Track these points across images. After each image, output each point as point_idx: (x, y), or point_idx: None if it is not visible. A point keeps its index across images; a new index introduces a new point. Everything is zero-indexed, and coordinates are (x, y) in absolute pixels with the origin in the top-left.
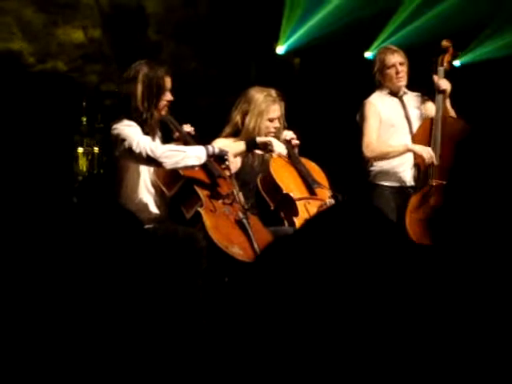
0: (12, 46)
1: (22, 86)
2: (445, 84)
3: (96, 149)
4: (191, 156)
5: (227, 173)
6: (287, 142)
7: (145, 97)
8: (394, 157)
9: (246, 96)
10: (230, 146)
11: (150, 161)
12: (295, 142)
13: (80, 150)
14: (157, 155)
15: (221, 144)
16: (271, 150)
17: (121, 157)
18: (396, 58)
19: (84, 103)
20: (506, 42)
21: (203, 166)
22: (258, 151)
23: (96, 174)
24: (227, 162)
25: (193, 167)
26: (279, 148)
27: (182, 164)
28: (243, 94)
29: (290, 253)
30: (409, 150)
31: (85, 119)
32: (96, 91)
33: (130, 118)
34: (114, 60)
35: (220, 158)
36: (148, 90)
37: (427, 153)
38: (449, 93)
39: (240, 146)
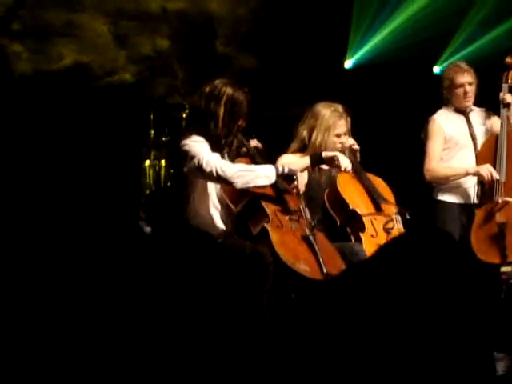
0: (81, 59)
1: (90, 99)
2: (510, 98)
3: (163, 162)
4: (261, 176)
5: (295, 190)
6: (351, 152)
7: (225, 122)
8: (453, 180)
9: (312, 111)
10: (296, 162)
11: (221, 180)
12: (356, 147)
13: (147, 162)
14: (227, 175)
15: (287, 160)
16: (337, 166)
17: (190, 174)
18: (466, 78)
19: (151, 116)
20: None
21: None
22: (323, 166)
23: (163, 189)
24: (296, 182)
25: (263, 187)
26: (345, 163)
27: (252, 184)
28: (310, 110)
29: (364, 280)
30: (468, 175)
31: (152, 132)
32: (163, 104)
33: (199, 134)
34: (182, 72)
35: (289, 177)
36: (230, 116)
37: (485, 170)
38: None
39: (305, 161)
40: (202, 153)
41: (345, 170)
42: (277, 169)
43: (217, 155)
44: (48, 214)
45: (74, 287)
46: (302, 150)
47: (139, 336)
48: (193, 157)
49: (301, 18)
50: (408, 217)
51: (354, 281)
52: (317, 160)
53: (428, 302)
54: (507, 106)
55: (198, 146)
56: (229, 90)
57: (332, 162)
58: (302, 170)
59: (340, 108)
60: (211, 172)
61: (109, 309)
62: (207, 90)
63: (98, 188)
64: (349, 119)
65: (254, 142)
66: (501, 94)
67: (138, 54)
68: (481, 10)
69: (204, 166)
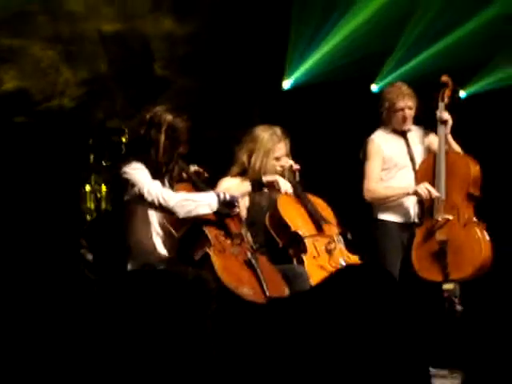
0: (22, 84)
1: (30, 124)
2: (446, 116)
3: (103, 186)
4: (203, 205)
5: (237, 216)
6: (291, 172)
7: (166, 149)
8: (393, 201)
9: (251, 135)
10: (237, 188)
11: (163, 209)
12: (296, 167)
13: (87, 187)
14: (170, 205)
15: (228, 184)
16: (277, 189)
17: (131, 201)
18: (406, 103)
19: (91, 140)
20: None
21: None
22: (264, 190)
23: (104, 215)
24: (237, 209)
25: (205, 215)
26: (285, 186)
27: (194, 213)
28: (248, 133)
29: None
30: (408, 195)
31: (92, 156)
32: (103, 128)
33: (139, 161)
34: (121, 96)
35: (230, 203)
36: (170, 143)
37: (423, 189)
38: (450, 126)
39: (246, 186)
40: (143, 181)
41: (286, 193)
42: (218, 196)
43: (158, 183)
44: None
45: (13, 316)
46: (243, 173)
47: (80, 364)
48: (134, 185)
49: (239, 39)
50: (350, 237)
51: (296, 311)
52: (257, 185)
53: (365, 328)
54: (444, 123)
55: (138, 173)
56: (169, 117)
57: (272, 186)
58: (243, 196)
59: (278, 131)
60: (153, 201)
61: (49, 335)
62: (147, 117)
63: (38, 215)
64: (287, 141)
65: (194, 168)
66: (437, 113)
67: (76, 79)
68: (416, 29)
69: (146, 195)
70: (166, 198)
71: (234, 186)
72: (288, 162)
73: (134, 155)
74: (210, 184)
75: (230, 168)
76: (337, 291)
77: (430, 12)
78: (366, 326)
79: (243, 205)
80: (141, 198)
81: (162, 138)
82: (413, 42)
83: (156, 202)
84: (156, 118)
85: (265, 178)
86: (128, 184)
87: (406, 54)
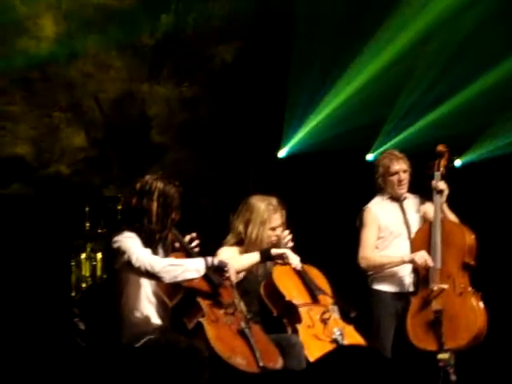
0: (16, 151)
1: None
2: (442, 185)
3: (99, 254)
4: (190, 269)
5: (228, 283)
6: (289, 247)
7: (159, 217)
8: (389, 268)
9: (247, 205)
10: (244, 257)
11: (149, 275)
12: (290, 245)
13: (83, 255)
14: (156, 270)
15: (227, 253)
16: (287, 263)
17: (121, 269)
18: (400, 166)
19: (86, 208)
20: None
21: (204, 276)
22: (270, 262)
23: (97, 284)
24: (227, 274)
25: (192, 280)
26: (294, 260)
27: (180, 278)
28: (245, 203)
29: None
30: (404, 263)
31: (88, 224)
32: (98, 195)
33: (131, 230)
34: (117, 163)
35: (219, 269)
36: (163, 210)
37: (420, 258)
38: (446, 195)
39: (255, 257)
40: (133, 248)
41: (295, 268)
42: (206, 261)
43: (148, 251)
44: None
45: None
46: (239, 243)
47: None
48: (123, 252)
49: (235, 107)
50: (353, 315)
51: None
52: (266, 256)
53: None
54: (440, 193)
55: (128, 241)
56: (160, 185)
57: (281, 258)
58: (251, 266)
59: (274, 201)
60: (140, 268)
61: None
62: (138, 186)
63: (31, 283)
64: (283, 212)
65: (188, 237)
66: (433, 182)
67: (73, 145)
68: (411, 97)
69: (134, 261)
70: (153, 263)
71: (239, 257)
72: (284, 234)
73: (127, 224)
74: (204, 253)
75: (226, 237)
76: (333, 371)
77: (424, 81)
78: None
79: (239, 276)
80: (129, 264)
81: (155, 205)
82: (408, 111)
83: (143, 269)
84: (147, 186)
85: (274, 251)
86: (118, 252)
87: (402, 123)
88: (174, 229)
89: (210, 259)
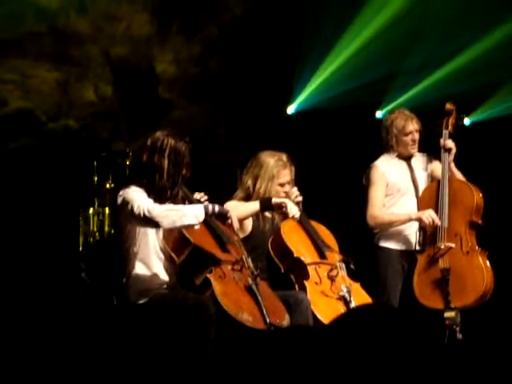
0: (25, 105)
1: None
2: (450, 144)
3: (107, 209)
4: (189, 215)
5: (235, 238)
6: (297, 204)
7: (170, 173)
8: (397, 226)
9: (256, 160)
10: (245, 205)
11: (147, 221)
12: (299, 199)
13: (91, 210)
14: (153, 215)
15: (233, 204)
16: (285, 213)
17: (127, 222)
18: (414, 126)
19: (95, 163)
20: None
21: (212, 232)
22: (267, 214)
23: (105, 239)
24: (229, 221)
25: (191, 226)
26: (293, 210)
27: (179, 223)
28: (254, 158)
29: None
30: (411, 221)
31: (96, 179)
32: (107, 150)
33: (139, 185)
34: (126, 118)
35: (221, 215)
36: (174, 167)
37: (427, 216)
38: (454, 153)
39: (255, 205)
40: (135, 197)
41: (292, 217)
42: (206, 207)
43: (150, 200)
44: None
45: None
46: (247, 198)
47: None
48: (127, 203)
49: (245, 63)
50: (353, 267)
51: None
52: (266, 205)
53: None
54: (448, 151)
55: (133, 193)
56: (171, 141)
57: (280, 208)
58: (251, 215)
59: (284, 157)
60: (139, 214)
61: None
62: (149, 142)
63: (39, 236)
64: (293, 168)
65: (197, 195)
66: (441, 140)
67: (82, 100)
68: (422, 53)
69: (135, 209)
70: (151, 208)
71: (240, 205)
72: (293, 190)
73: (136, 180)
74: None
75: (235, 192)
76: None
77: (433, 37)
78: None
79: (248, 223)
80: (131, 214)
81: (166, 162)
82: (418, 68)
83: (141, 215)
84: (158, 142)
85: (274, 200)
86: (123, 204)
87: (411, 80)
88: (184, 186)
89: (210, 206)
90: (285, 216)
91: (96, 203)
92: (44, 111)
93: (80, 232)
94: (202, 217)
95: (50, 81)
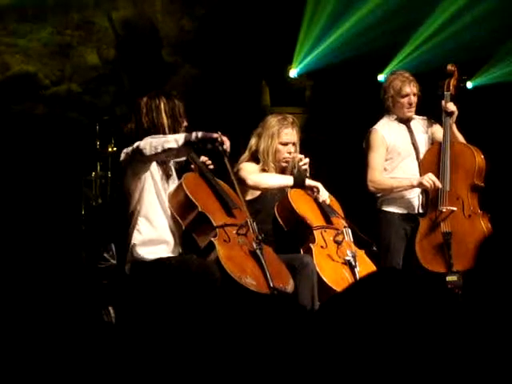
0: (27, 68)
1: (37, 108)
2: (452, 107)
3: (109, 173)
4: (170, 140)
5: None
6: (304, 170)
7: (171, 128)
8: (398, 191)
9: (262, 121)
10: (279, 177)
11: (134, 154)
12: (305, 167)
13: (93, 173)
14: (138, 145)
15: (250, 167)
16: (316, 196)
17: (128, 177)
18: (412, 89)
19: (97, 126)
20: None
21: (217, 196)
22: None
23: (107, 202)
24: (218, 142)
25: (172, 150)
26: (324, 195)
27: (160, 148)
28: (261, 120)
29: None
30: (413, 187)
31: (98, 142)
32: (110, 113)
33: None
34: (128, 82)
35: (206, 140)
36: (173, 121)
37: (427, 180)
38: (456, 116)
39: (289, 180)
40: (134, 144)
41: (323, 202)
42: (189, 134)
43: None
44: None
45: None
46: (253, 158)
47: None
48: (127, 152)
49: (248, 27)
50: (375, 249)
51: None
52: (299, 183)
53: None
54: (450, 114)
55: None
56: (163, 99)
57: (312, 190)
58: (283, 187)
59: (289, 118)
60: (131, 152)
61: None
62: (142, 106)
63: (42, 199)
64: (297, 130)
65: (203, 158)
66: (443, 103)
67: (85, 64)
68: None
69: (129, 152)
70: (137, 143)
71: (275, 176)
72: (297, 154)
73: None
74: (218, 174)
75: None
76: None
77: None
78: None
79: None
80: (128, 156)
81: (164, 117)
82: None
83: (131, 152)
84: (151, 103)
85: (308, 182)
86: (126, 156)
87: (415, 46)
88: (192, 151)
89: (193, 132)
90: (315, 198)
91: (98, 167)
92: (46, 75)
93: (82, 196)
94: (181, 140)
95: (53, 44)
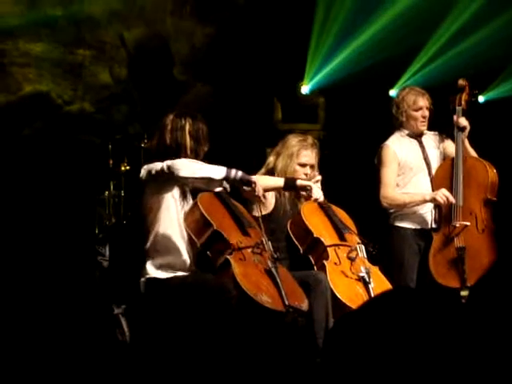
0: (40, 88)
1: (50, 128)
2: (464, 122)
3: (122, 192)
4: (210, 169)
5: (257, 198)
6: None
7: (193, 149)
8: (411, 207)
9: (283, 140)
10: (268, 178)
11: (166, 173)
12: (317, 182)
13: (106, 193)
14: (175, 166)
15: (256, 177)
16: (309, 196)
17: (148, 195)
18: (425, 102)
19: (110, 145)
20: None
21: (233, 216)
22: (288, 195)
23: (123, 222)
24: (253, 186)
25: (211, 180)
26: (317, 194)
27: (199, 175)
28: (282, 138)
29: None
30: (426, 202)
31: (111, 161)
32: (122, 132)
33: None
34: (140, 100)
35: (243, 182)
36: (196, 142)
37: (441, 196)
38: (468, 131)
39: (279, 181)
40: (158, 163)
41: (315, 200)
42: (229, 169)
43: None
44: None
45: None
46: (268, 174)
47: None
48: (150, 170)
49: (259, 45)
50: (372, 250)
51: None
52: (290, 184)
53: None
54: (462, 129)
55: (156, 163)
56: (189, 119)
57: (304, 190)
58: (273, 190)
59: (309, 139)
60: (160, 170)
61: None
62: (167, 123)
63: (55, 218)
64: (317, 152)
65: None
66: (455, 117)
67: (97, 83)
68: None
69: (158, 169)
70: (170, 162)
71: (265, 178)
72: (315, 174)
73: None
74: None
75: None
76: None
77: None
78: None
79: (270, 201)
80: (149, 174)
81: (188, 139)
82: (433, 48)
83: (160, 171)
84: (176, 123)
85: (299, 182)
86: (146, 174)
87: (426, 60)
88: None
89: (234, 170)
90: (307, 198)
91: (111, 186)
92: (59, 94)
93: (96, 215)
94: (222, 174)
95: (65, 64)
